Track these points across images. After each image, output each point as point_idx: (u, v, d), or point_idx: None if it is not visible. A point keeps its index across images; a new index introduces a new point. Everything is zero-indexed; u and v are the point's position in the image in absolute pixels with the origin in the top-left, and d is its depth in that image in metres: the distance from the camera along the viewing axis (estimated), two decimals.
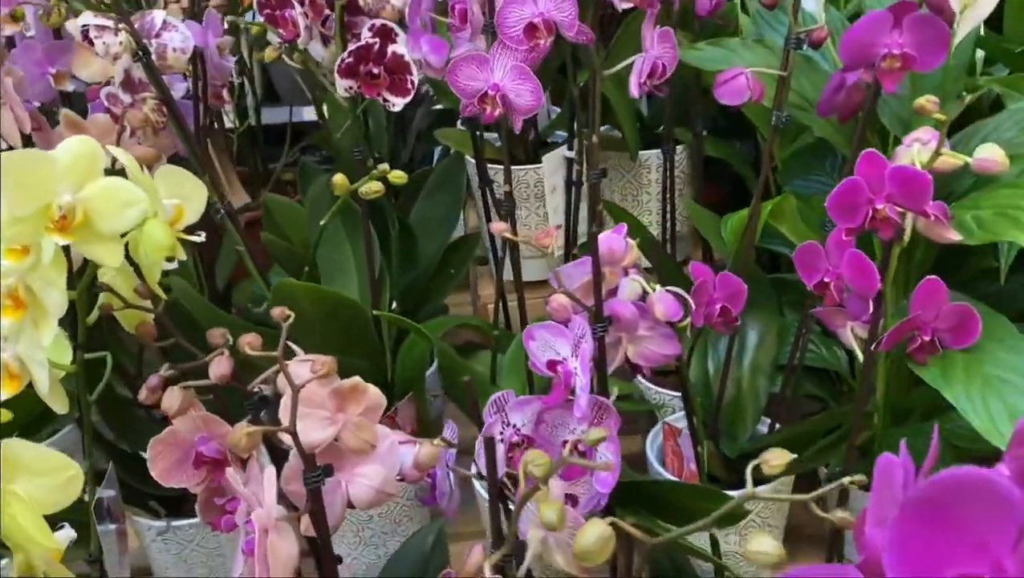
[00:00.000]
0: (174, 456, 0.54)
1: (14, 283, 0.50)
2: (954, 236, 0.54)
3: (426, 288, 0.97)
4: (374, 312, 0.78)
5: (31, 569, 0.44)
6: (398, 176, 0.64)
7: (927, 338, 0.55)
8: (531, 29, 0.64)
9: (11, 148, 0.65)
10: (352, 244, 0.86)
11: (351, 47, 0.66)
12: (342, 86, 0.67)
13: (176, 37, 0.71)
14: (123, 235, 0.49)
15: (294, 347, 0.56)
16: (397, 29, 0.66)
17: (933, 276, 0.55)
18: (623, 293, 0.64)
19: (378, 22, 0.66)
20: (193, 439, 0.54)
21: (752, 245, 0.74)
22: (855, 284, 0.56)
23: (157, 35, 0.71)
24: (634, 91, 0.65)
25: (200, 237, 0.54)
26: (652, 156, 0.94)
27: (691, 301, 0.62)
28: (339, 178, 0.63)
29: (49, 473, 0.43)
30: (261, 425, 0.50)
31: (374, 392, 0.54)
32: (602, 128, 0.97)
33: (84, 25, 0.64)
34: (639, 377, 0.89)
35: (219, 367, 0.51)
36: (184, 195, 0.55)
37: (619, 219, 0.88)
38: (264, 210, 0.90)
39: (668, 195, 0.91)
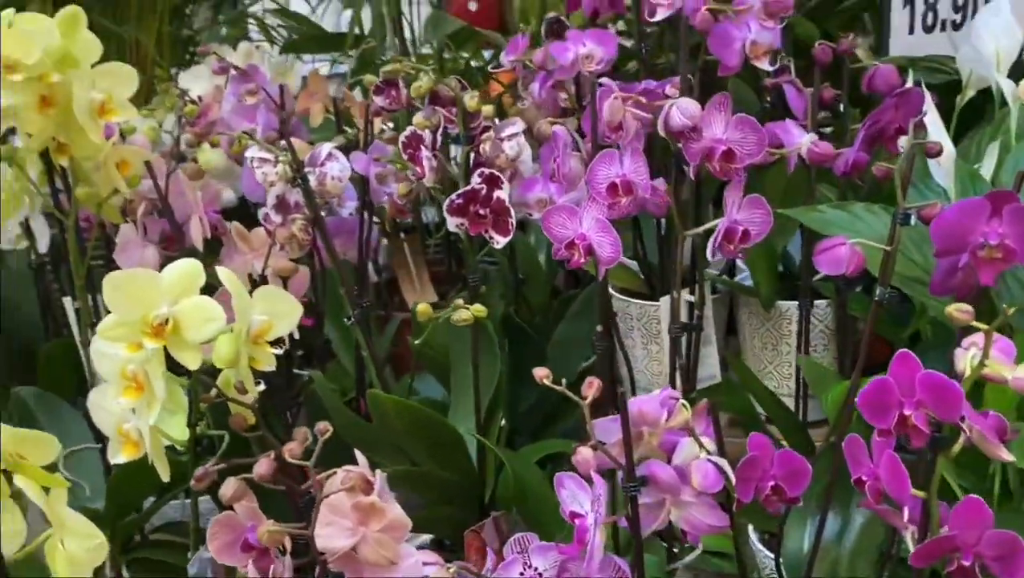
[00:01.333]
0: (228, 537, 0.62)
1: (134, 370, 0.62)
2: (1006, 456, 0.48)
3: (555, 409, 1.00)
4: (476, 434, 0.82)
5: None
6: (479, 310, 0.69)
7: (967, 563, 0.49)
8: (613, 188, 0.67)
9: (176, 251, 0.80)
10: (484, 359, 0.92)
11: (461, 190, 0.73)
12: (452, 222, 0.74)
13: (336, 167, 0.83)
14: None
15: (360, 458, 0.62)
16: (503, 178, 0.73)
17: (975, 497, 0.49)
18: (679, 455, 0.63)
19: (487, 170, 0.73)
20: (246, 525, 0.61)
21: (848, 421, 0.69)
22: (891, 488, 0.52)
23: (321, 164, 0.83)
24: (709, 254, 0.65)
25: (278, 350, 0.63)
26: (792, 307, 0.91)
27: (730, 473, 0.60)
28: (422, 307, 0.70)
29: (82, 537, 0.52)
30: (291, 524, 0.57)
31: (395, 512, 0.59)
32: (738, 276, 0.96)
33: (250, 156, 0.78)
34: (751, 535, 0.85)
35: (262, 467, 0.58)
36: (277, 312, 0.64)
37: (736, 371, 0.87)
38: (412, 314, 0.99)
39: (801, 351, 0.88)
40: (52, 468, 0.53)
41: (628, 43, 0.95)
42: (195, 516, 0.74)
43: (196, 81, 1.26)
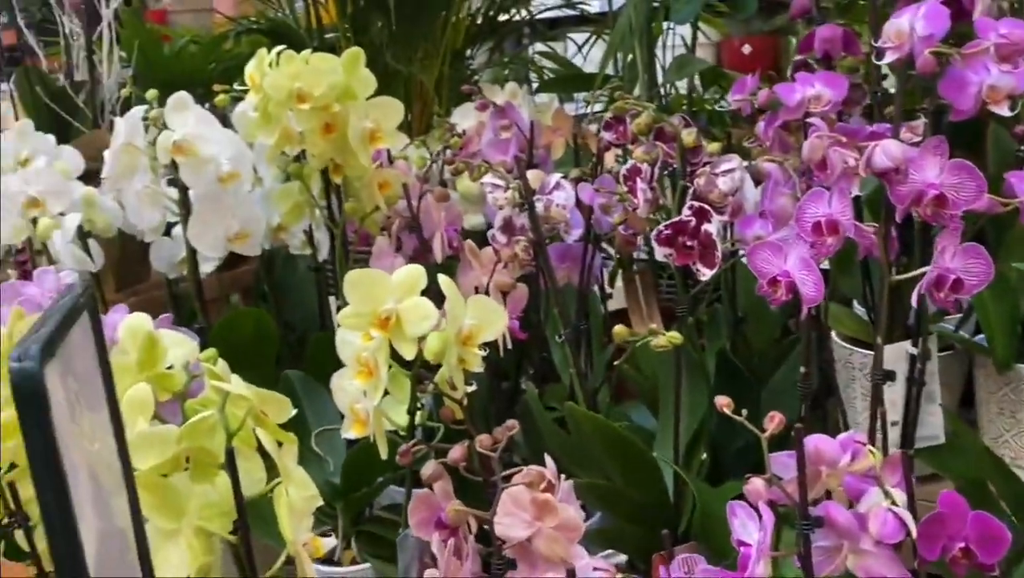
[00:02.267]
0: (425, 513, 0.69)
1: (367, 356, 0.72)
2: None
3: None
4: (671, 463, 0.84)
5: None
6: (674, 337, 0.72)
7: None
8: (818, 227, 0.66)
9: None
10: (691, 392, 0.93)
11: (670, 221, 0.76)
12: (660, 252, 0.78)
13: (561, 195, 0.89)
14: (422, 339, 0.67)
15: (549, 462, 0.68)
16: (712, 212, 0.75)
17: None
18: (864, 502, 0.62)
19: (696, 204, 0.75)
20: (440, 505, 0.69)
21: None
22: None
23: (549, 192, 0.90)
24: (913, 300, 0.62)
25: (484, 352, 0.70)
26: None
27: (912, 527, 0.57)
28: (619, 329, 0.74)
29: (301, 487, 0.62)
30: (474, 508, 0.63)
31: (570, 514, 0.63)
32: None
33: (485, 182, 0.86)
34: None
35: (455, 452, 0.65)
36: (486, 319, 0.71)
37: (955, 432, 0.81)
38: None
39: None
40: (285, 427, 0.63)
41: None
42: (408, 497, 0.82)
43: (466, 117, 1.39)
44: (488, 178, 0.86)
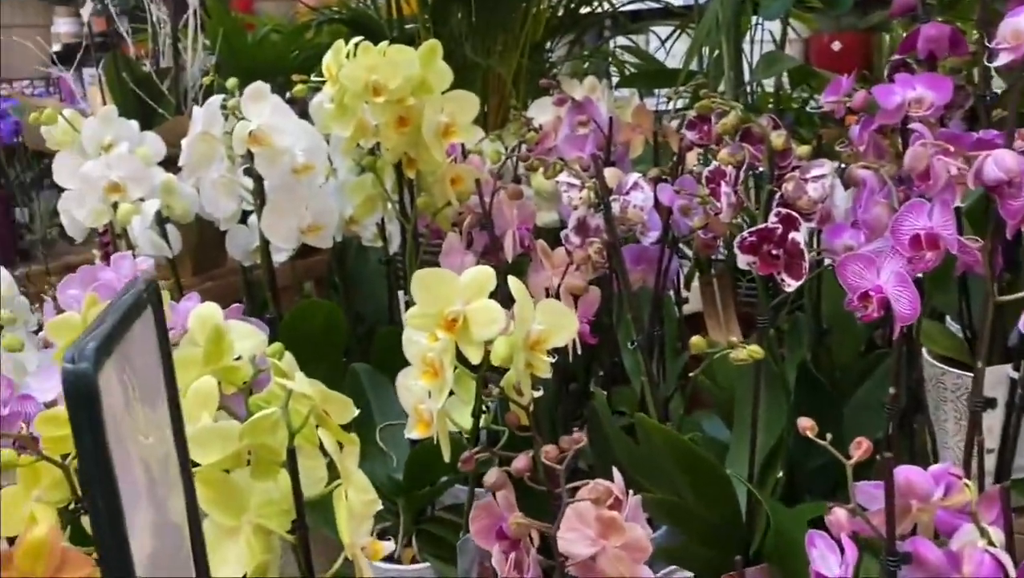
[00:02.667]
0: (487, 522, 0.67)
1: (432, 357, 0.70)
2: None
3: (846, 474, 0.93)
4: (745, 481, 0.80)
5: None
6: (755, 351, 0.68)
7: None
8: (916, 240, 0.62)
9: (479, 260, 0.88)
10: (768, 406, 0.89)
11: (754, 228, 0.72)
12: (743, 260, 0.74)
13: (639, 196, 0.86)
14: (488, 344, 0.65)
15: (617, 476, 0.65)
16: (799, 219, 0.70)
17: None
18: (957, 540, 0.57)
19: (783, 210, 0.71)
20: (502, 514, 0.66)
21: None
22: None
23: (626, 193, 0.87)
24: (1021, 325, 0.57)
25: (553, 358, 0.67)
26: None
27: (1011, 570, 0.52)
28: (696, 340, 0.70)
29: (361, 491, 0.60)
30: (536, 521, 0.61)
31: (637, 533, 0.60)
32: None
33: (560, 181, 0.84)
34: None
35: (520, 462, 0.63)
36: (555, 324, 0.68)
37: None
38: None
39: None
40: (347, 428, 0.62)
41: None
42: (470, 500, 0.81)
43: (543, 111, 1.36)
44: (563, 176, 0.84)
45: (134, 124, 1.15)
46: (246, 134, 0.85)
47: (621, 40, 1.88)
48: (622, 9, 1.78)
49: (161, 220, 1.11)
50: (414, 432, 0.75)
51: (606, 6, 1.72)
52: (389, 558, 0.99)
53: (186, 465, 0.46)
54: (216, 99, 0.92)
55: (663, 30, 1.75)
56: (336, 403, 0.59)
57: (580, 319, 0.85)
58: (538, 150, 1.25)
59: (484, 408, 0.75)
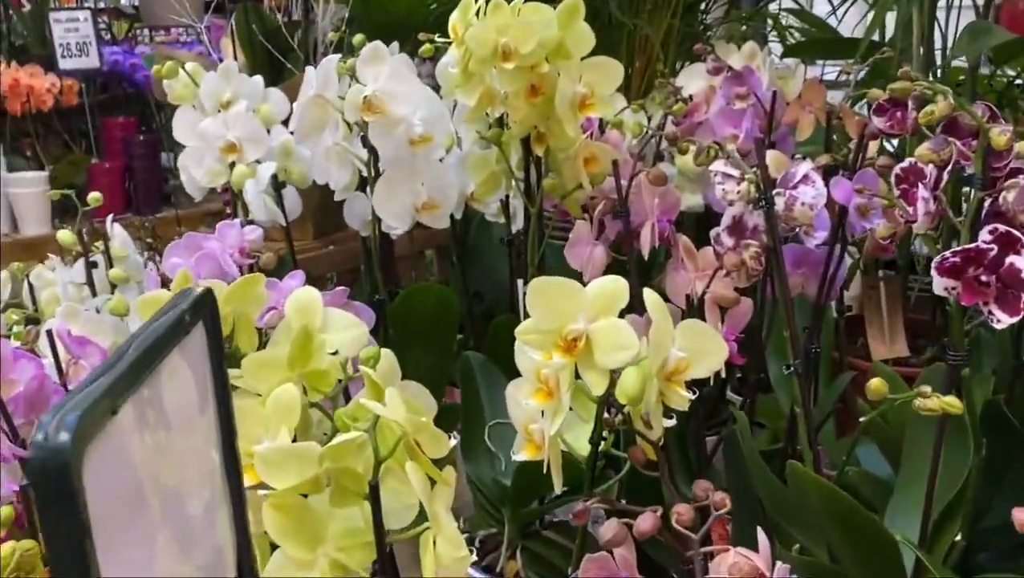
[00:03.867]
0: (600, 576, 0.57)
1: (547, 374, 0.60)
2: None
3: None
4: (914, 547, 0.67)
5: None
6: (951, 405, 0.54)
7: None
8: None
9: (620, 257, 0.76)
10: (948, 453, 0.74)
11: (961, 247, 0.58)
12: (940, 284, 0.59)
13: (809, 192, 0.72)
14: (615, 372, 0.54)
15: (763, 541, 0.53)
16: (1023, 240, 0.55)
17: None
18: None
19: (1002, 227, 0.56)
20: (619, 573, 0.56)
21: None
22: None
23: (794, 186, 0.73)
24: None
25: (690, 394, 0.56)
26: None
27: None
28: (877, 384, 0.57)
29: (452, 543, 0.51)
30: None
31: None
32: None
33: (714, 169, 0.71)
34: None
35: (646, 522, 0.52)
36: (700, 350, 0.57)
37: None
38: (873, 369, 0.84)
39: None
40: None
41: None
42: (581, 546, 0.70)
43: (693, 79, 1.22)
44: (718, 164, 0.71)
45: (256, 80, 1.09)
46: (360, 100, 0.76)
47: (786, 2, 1.70)
48: None
49: (277, 184, 1.05)
50: (522, 453, 0.65)
51: None
52: (491, 569, 0.91)
53: (238, 491, 0.38)
54: (332, 59, 0.84)
55: None
56: (430, 435, 0.50)
57: (727, 336, 0.72)
58: (686, 124, 1.11)
59: (605, 434, 0.64)
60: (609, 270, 0.86)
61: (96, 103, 2.45)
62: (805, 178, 0.72)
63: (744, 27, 1.69)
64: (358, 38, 1.10)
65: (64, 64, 2.39)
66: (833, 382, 0.97)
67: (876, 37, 1.17)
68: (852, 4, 1.41)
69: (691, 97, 1.15)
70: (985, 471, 0.79)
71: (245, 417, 0.54)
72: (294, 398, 0.54)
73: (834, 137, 0.93)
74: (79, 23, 2.46)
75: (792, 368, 0.71)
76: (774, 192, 0.72)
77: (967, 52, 0.89)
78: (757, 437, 1.01)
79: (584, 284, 0.84)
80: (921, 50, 1.04)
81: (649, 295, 0.56)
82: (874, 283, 1.09)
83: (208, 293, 0.36)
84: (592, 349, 0.54)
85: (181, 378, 0.33)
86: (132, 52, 2.73)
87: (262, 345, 0.71)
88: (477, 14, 0.76)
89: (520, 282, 0.90)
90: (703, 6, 1.53)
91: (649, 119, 1.20)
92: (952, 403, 0.55)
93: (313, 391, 0.58)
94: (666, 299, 0.80)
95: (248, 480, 0.52)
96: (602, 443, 0.65)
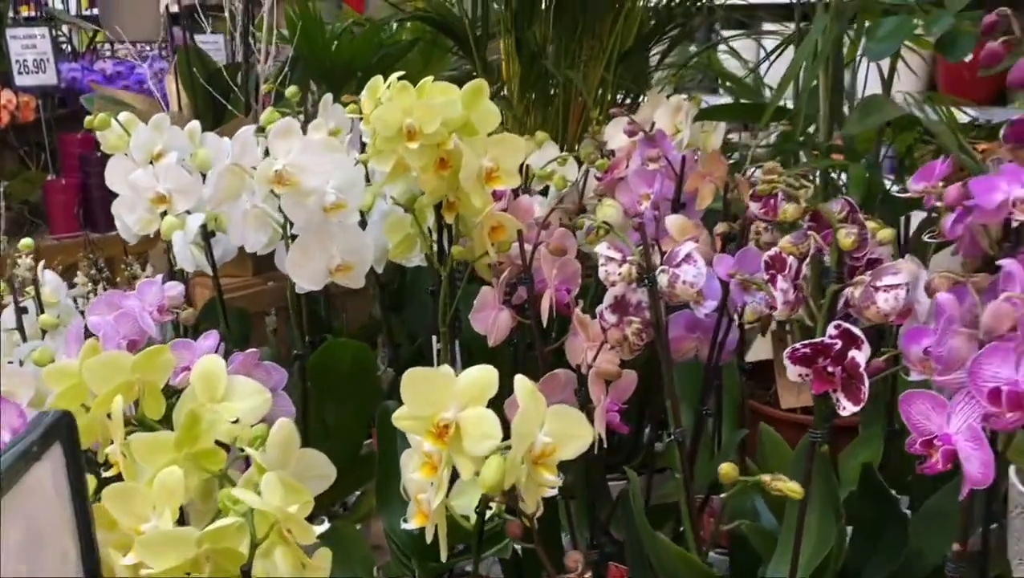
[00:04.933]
0: None
1: (427, 452, 0.64)
2: None
3: None
4: None
5: None
6: (793, 490, 0.58)
7: None
8: (995, 394, 0.51)
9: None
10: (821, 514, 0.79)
11: (809, 341, 0.62)
12: (793, 371, 0.64)
13: (691, 271, 0.77)
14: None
15: None
16: (862, 338, 0.60)
17: None
18: None
19: (844, 325, 0.61)
20: None
21: None
22: None
23: (677, 265, 0.77)
24: None
25: (559, 481, 0.60)
26: None
27: None
28: (726, 469, 0.61)
29: None
30: None
31: None
32: None
33: (599, 252, 0.75)
34: None
35: None
36: (567, 434, 0.61)
37: None
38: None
39: None
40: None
41: None
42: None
43: (617, 134, 1.26)
44: (603, 247, 0.75)
45: (192, 129, 1.12)
46: (270, 173, 0.79)
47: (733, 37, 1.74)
48: (729, 6, 1.63)
49: (206, 234, 1.08)
50: (413, 522, 0.69)
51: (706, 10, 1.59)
52: None
53: None
54: (248, 129, 0.87)
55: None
56: (297, 525, 0.53)
57: (610, 407, 0.77)
58: (608, 178, 1.16)
59: (489, 506, 0.68)
60: (515, 333, 0.90)
61: (54, 118, 2.45)
62: (688, 257, 0.76)
63: (682, 71, 1.75)
64: (291, 90, 1.13)
65: (20, 80, 2.38)
66: (737, 429, 1.02)
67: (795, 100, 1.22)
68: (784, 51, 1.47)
69: (613, 153, 1.19)
70: (861, 532, 0.83)
71: (133, 497, 0.58)
72: (178, 481, 0.57)
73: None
74: (36, 39, 2.46)
75: (672, 437, 0.75)
76: (660, 269, 0.77)
77: (858, 128, 0.94)
78: (668, 483, 1.06)
79: (490, 348, 0.89)
80: (828, 113, 1.09)
81: (520, 382, 0.59)
82: (782, 335, 1.14)
83: (64, 415, 0.40)
84: (461, 437, 0.58)
85: (29, 508, 0.37)
86: (91, 68, 2.74)
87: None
88: (383, 95, 0.80)
89: (434, 338, 0.94)
90: (654, 43, 1.57)
91: (582, 164, 1.24)
92: (793, 489, 0.59)
93: (202, 470, 0.61)
94: (567, 364, 0.85)
95: (132, 558, 0.55)
96: (493, 507, 0.69)
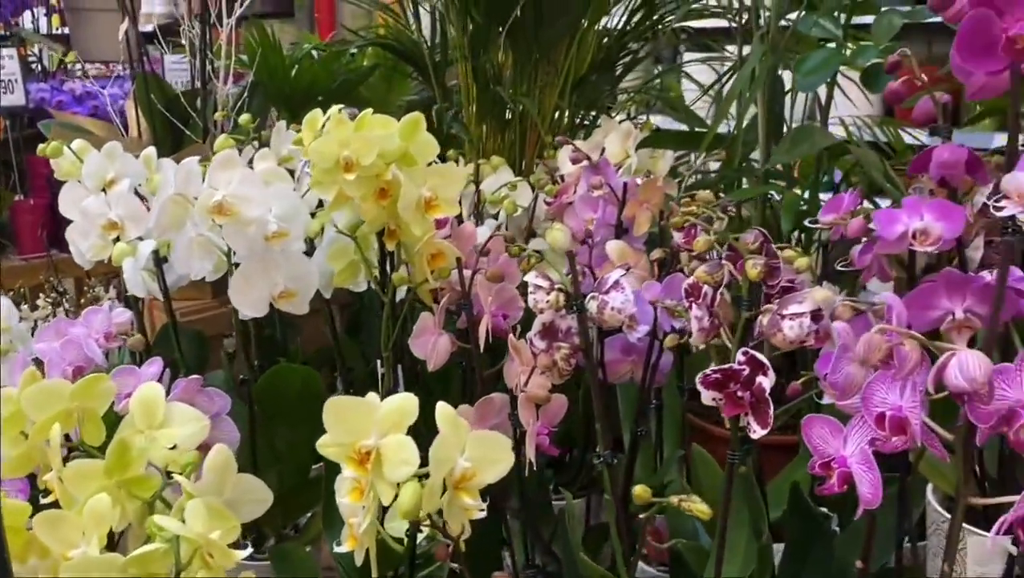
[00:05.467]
0: None
1: (354, 476, 0.66)
2: None
3: None
4: None
5: None
6: (701, 511, 0.61)
7: None
8: (881, 419, 0.54)
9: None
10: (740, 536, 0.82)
11: (719, 367, 0.65)
12: (706, 395, 0.67)
13: (619, 298, 0.79)
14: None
15: None
16: (767, 364, 0.63)
17: None
18: None
19: (752, 352, 0.64)
20: None
21: None
22: None
23: (606, 292, 0.80)
24: (994, 534, 0.49)
25: (482, 506, 0.62)
26: None
27: None
28: (640, 491, 0.63)
29: None
30: None
31: None
32: None
33: (528, 280, 0.78)
34: None
35: None
36: (488, 458, 0.63)
37: None
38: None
39: None
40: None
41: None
42: None
43: (567, 160, 1.29)
44: (531, 276, 0.78)
45: (149, 154, 1.13)
46: (211, 204, 0.81)
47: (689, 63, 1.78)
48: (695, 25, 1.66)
49: (158, 260, 1.10)
50: (345, 545, 0.71)
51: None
52: None
53: None
54: (193, 159, 0.89)
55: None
56: (218, 551, 0.55)
57: (541, 430, 0.79)
58: (557, 203, 1.19)
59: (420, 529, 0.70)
60: (454, 357, 0.93)
61: (22, 138, 2.45)
62: (616, 284, 0.79)
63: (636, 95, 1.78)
64: (244, 118, 1.16)
65: None
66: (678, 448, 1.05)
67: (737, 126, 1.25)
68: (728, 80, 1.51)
69: (563, 178, 1.22)
70: (791, 550, 0.86)
71: (63, 524, 0.60)
72: (106, 507, 0.59)
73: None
74: (4, 60, 2.46)
75: (602, 458, 0.77)
76: (590, 295, 0.80)
77: (786, 157, 0.97)
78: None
79: (431, 372, 0.91)
80: (765, 141, 1.13)
81: (441, 409, 0.62)
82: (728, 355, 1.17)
83: None
84: (382, 463, 0.60)
85: None
86: (61, 88, 2.74)
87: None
88: (324, 127, 0.82)
89: (378, 362, 0.96)
90: (592, 79, 1.61)
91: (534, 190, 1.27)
92: (701, 510, 0.61)
93: (133, 498, 0.63)
94: (505, 388, 0.87)
95: None
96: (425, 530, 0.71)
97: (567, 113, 1.56)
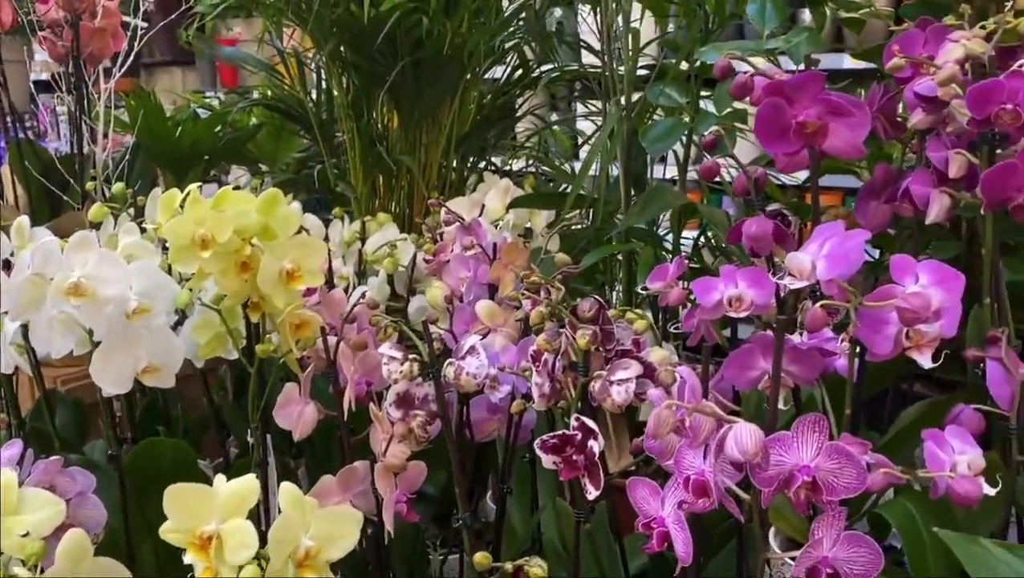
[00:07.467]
0: None
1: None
2: None
3: None
4: None
5: None
6: (536, 571, 0.64)
7: None
8: (686, 482, 0.58)
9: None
10: None
11: (554, 433, 0.69)
12: (547, 460, 0.70)
13: (474, 363, 0.82)
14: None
15: None
16: (597, 430, 0.67)
17: None
18: None
19: (584, 419, 0.68)
20: None
21: None
22: None
23: (462, 357, 0.83)
24: None
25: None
26: None
27: None
28: (480, 557, 0.66)
29: None
30: None
31: None
32: None
33: (382, 352, 0.80)
34: None
35: None
36: (333, 534, 0.65)
37: None
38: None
39: None
40: None
41: None
42: None
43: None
44: (385, 347, 0.80)
45: (22, 223, 1.11)
46: (65, 285, 0.82)
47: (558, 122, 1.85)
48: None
49: (27, 333, 1.08)
50: None
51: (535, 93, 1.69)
52: None
53: None
54: (52, 240, 0.89)
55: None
56: None
57: (399, 497, 0.81)
58: (436, 261, 1.22)
59: None
60: (321, 424, 0.94)
61: None
62: (471, 349, 0.82)
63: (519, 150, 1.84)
64: (118, 187, 1.16)
65: None
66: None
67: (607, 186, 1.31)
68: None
69: (442, 236, 1.26)
70: None
71: None
72: None
73: None
74: None
75: (461, 521, 0.80)
76: (447, 362, 0.83)
77: (638, 219, 1.03)
78: None
79: (296, 441, 0.92)
80: (626, 199, 1.18)
81: (284, 490, 0.64)
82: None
83: None
84: (223, 548, 0.61)
85: None
86: None
87: None
88: (181, 206, 0.84)
89: (250, 431, 0.97)
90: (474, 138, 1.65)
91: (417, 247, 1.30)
92: (537, 573, 0.64)
93: None
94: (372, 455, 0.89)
95: None
96: None
97: (454, 167, 1.60)
